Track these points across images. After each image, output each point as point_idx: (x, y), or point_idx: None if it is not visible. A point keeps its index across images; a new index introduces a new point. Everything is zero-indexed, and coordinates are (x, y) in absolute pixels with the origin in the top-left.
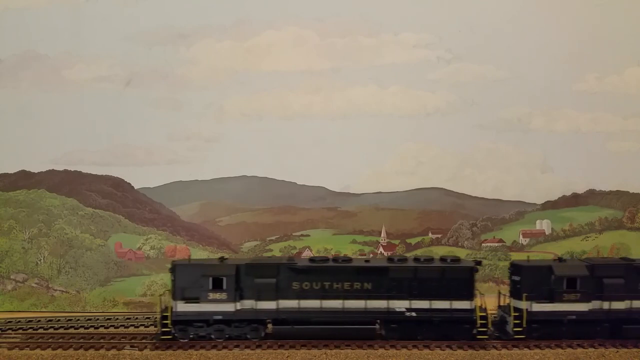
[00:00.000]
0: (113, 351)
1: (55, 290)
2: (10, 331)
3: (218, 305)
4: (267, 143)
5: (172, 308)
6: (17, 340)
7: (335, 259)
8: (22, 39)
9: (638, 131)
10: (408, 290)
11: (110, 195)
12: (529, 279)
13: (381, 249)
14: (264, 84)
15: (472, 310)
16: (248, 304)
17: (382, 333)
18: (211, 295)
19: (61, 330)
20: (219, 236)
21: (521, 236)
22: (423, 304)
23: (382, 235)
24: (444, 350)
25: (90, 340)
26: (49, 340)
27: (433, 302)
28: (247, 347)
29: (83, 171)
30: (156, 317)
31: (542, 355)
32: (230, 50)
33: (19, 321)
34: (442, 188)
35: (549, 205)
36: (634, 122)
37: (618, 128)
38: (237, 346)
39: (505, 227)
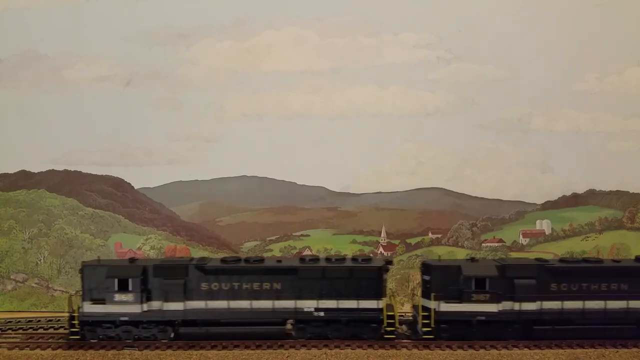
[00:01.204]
0: (113, 351)
1: (55, 290)
2: (10, 331)
3: (124, 307)
4: (267, 143)
5: (79, 308)
6: (17, 340)
7: (247, 259)
8: (22, 39)
9: (638, 131)
10: (317, 290)
11: (110, 195)
12: (439, 278)
13: (381, 249)
14: (264, 84)
15: (379, 310)
16: (156, 305)
17: (292, 333)
18: (117, 297)
19: (61, 330)
20: (219, 236)
21: (521, 236)
22: (331, 304)
23: (382, 235)
24: (444, 350)
25: (90, 341)
26: (49, 340)
27: (340, 301)
28: (247, 347)
29: (83, 171)
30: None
31: (542, 355)
32: (230, 50)
33: (19, 321)
34: (442, 188)
35: (549, 205)
36: (634, 122)
37: (618, 128)
38: (237, 346)
39: (505, 227)
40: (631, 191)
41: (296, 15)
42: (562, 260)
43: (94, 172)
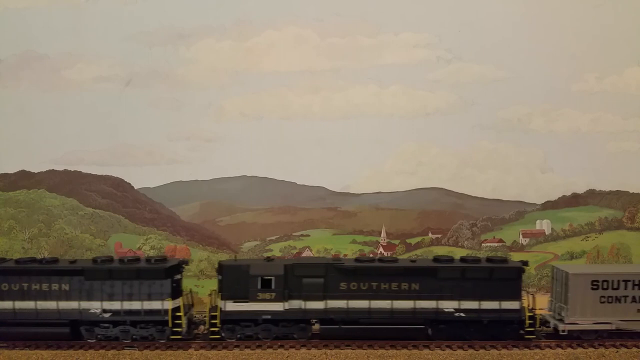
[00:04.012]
0: (113, 351)
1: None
2: None
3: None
4: (267, 143)
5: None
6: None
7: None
8: (22, 39)
9: (638, 131)
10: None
11: (110, 195)
12: (229, 278)
13: (381, 249)
14: (264, 84)
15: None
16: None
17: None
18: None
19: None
20: (219, 236)
21: (521, 236)
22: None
23: (382, 235)
24: (444, 350)
25: (91, 341)
26: (49, 340)
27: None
28: (247, 347)
29: (83, 171)
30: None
31: (542, 355)
32: (230, 50)
33: None
34: (442, 188)
35: (549, 205)
36: (634, 122)
37: (618, 128)
38: (237, 346)
39: (505, 227)
40: (631, 191)
41: (296, 15)
42: (357, 259)
43: (94, 172)
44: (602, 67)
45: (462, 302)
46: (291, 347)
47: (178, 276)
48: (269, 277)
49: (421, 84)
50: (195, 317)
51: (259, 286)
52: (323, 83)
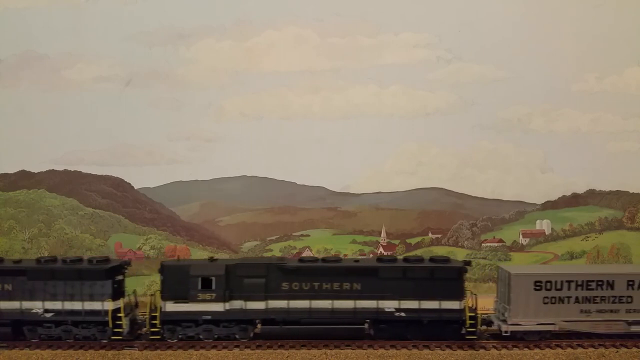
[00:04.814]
0: (113, 351)
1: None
2: None
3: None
4: (267, 143)
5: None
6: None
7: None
8: (22, 39)
9: (638, 131)
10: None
11: (110, 195)
12: (170, 278)
13: (381, 249)
14: (264, 84)
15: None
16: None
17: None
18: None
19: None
20: (219, 236)
21: (521, 236)
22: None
23: (382, 235)
24: (444, 350)
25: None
26: (49, 340)
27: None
28: (247, 347)
29: (83, 171)
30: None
31: (542, 355)
32: (230, 50)
33: None
34: (442, 188)
35: (549, 205)
36: (634, 122)
37: (618, 128)
38: (237, 346)
39: (505, 227)
40: (631, 191)
41: (296, 15)
42: (300, 259)
43: (94, 172)
44: (602, 67)
45: (402, 301)
46: (291, 347)
47: (120, 277)
48: (210, 277)
49: (421, 84)
50: (139, 317)
51: (199, 286)
52: (323, 83)
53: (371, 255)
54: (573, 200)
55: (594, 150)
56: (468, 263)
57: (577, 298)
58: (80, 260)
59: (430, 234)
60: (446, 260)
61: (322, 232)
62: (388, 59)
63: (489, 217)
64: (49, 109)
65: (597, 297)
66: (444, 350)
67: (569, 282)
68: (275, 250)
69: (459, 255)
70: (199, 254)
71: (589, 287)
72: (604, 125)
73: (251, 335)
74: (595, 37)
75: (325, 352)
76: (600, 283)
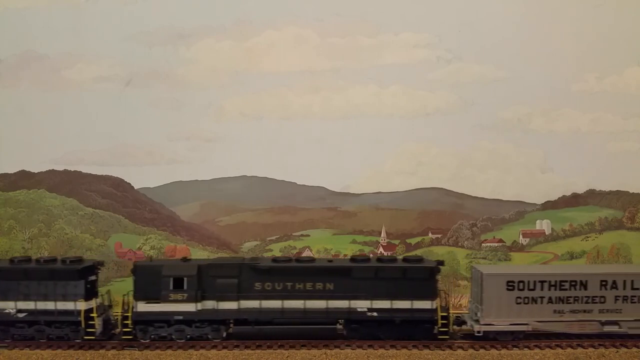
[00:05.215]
0: (113, 351)
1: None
2: None
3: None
4: (267, 143)
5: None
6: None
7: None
8: (22, 39)
9: (638, 131)
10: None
11: (110, 195)
12: (142, 278)
13: (381, 249)
14: (264, 84)
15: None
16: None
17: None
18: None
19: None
20: (219, 236)
21: (521, 236)
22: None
23: (382, 235)
24: (444, 350)
25: (91, 341)
26: (49, 340)
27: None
28: (247, 347)
29: (83, 171)
30: None
31: (542, 355)
32: (230, 50)
33: None
34: (442, 188)
35: (549, 205)
36: (634, 122)
37: (618, 128)
38: (237, 346)
39: (505, 227)
40: (631, 191)
41: (296, 15)
42: (274, 259)
43: (94, 172)
44: (602, 67)
45: (374, 301)
46: (291, 347)
47: (93, 277)
48: (181, 278)
49: (421, 84)
50: (113, 317)
51: (171, 287)
52: (323, 83)
53: (371, 255)
54: (573, 200)
55: (594, 150)
56: (441, 263)
57: (550, 298)
58: (54, 260)
59: (430, 234)
60: (419, 260)
61: (322, 232)
62: (388, 59)
63: (489, 217)
64: (49, 109)
65: (570, 297)
66: (444, 350)
67: (541, 282)
68: (275, 250)
69: (459, 255)
70: (199, 253)
71: (562, 288)
72: (604, 125)
73: (224, 335)
74: (595, 37)
75: (325, 352)
76: (573, 283)
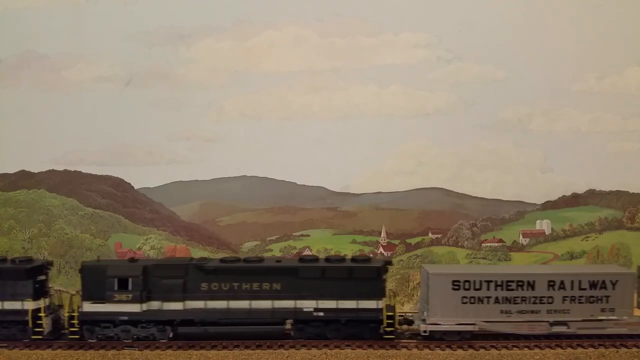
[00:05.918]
0: (113, 351)
1: (55, 290)
2: None
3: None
4: (267, 143)
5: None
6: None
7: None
8: (22, 39)
9: (638, 131)
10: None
11: (110, 195)
12: (88, 278)
13: (381, 249)
14: (264, 84)
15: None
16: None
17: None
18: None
19: None
20: (219, 236)
21: (521, 236)
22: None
23: (382, 235)
24: (444, 350)
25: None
26: (49, 340)
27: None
28: (247, 347)
29: (83, 171)
30: None
31: (542, 355)
32: (230, 50)
33: None
34: (442, 188)
35: (549, 205)
36: (634, 122)
37: (618, 128)
38: (237, 346)
39: (505, 227)
40: (631, 191)
41: (296, 15)
42: (222, 260)
43: (94, 172)
44: (602, 67)
45: (320, 301)
46: (291, 347)
47: (42, 277)
48: (126, 278)
49: (421, 84)
50: (63, 317)
51: (116, 287)
52: (323, 83)
53: (371, 255)
54: (573, 200)
55: (594, 150)
56: (389, 262)
57: (497, 298)
58: (4, 260)
59: (430, 234)
60: (367, 259)
61: (322, 232)
62: (388, 59)
63: (489, 217)
64: (49, 109)
65: (517, 297)
66: (444, 350)
67: (488, 282)
68: (275, 250)
69: (459, 255)
70: (199, 253)
71: (509, 288)
72: (604, 125)
73: (170, 335)
74: (595, 37)
75: (325, 352)
76: (520, 283)
